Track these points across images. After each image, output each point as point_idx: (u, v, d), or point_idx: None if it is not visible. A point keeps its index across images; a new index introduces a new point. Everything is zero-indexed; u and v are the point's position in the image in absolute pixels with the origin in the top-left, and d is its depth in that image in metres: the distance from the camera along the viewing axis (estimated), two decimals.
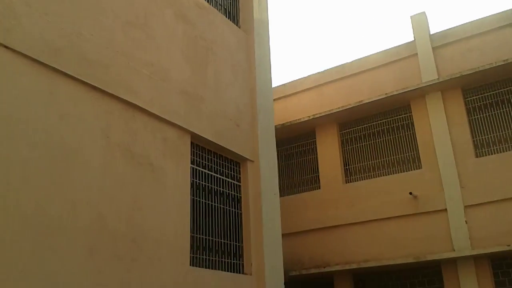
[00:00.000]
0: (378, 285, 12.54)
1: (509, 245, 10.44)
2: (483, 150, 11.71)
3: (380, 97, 12.72)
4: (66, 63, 5.89)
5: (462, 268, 11.11)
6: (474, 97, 12.12)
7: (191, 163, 7.70)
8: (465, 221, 11.24)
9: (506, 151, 11.40)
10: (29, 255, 5.02)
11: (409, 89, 12.48)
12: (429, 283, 11.86)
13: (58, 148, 5.61)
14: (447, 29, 12.88)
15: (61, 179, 5.54)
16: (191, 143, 7.74)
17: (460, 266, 11.15)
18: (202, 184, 7.94)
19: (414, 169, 12.46)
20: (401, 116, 13.06)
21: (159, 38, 7.55)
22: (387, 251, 11.96)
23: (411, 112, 12.82)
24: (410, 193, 11.93)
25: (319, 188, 13.57)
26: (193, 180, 7.69)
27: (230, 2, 9.95)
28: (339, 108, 13.27)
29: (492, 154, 11.56)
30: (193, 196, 7.61)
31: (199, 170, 7.93)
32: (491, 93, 11.95)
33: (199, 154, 8.04)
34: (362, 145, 13.44)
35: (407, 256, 11.60)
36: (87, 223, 5.70)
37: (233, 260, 8.15)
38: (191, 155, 7.70)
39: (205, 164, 8.14)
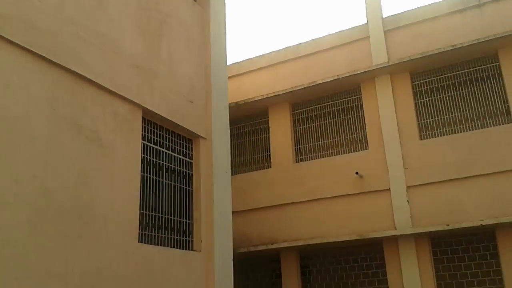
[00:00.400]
0: (322, 262, 12.91)
1: (448, 225, 10.91)
2: (427, 132, 12.13)
3: (332, 79, 12.88)
4: (12, 30, 5.59)
5: (402, 246, 11.55)
6: (422, 81, 12.48)
7: (142, 139, 7.56)
8: (407, 200, 11.67)
9: (449, 134, 11.84)
10: None
11: (359, 72, 12.68)
12: (371, 259, 12.32)
13: (2, 118, 5.36)
14: (399, 13, 13.09)
15: (4, 152, 5.31)
16: (143, 118, 7.59)
17: (401, 244, 11.58)
18: (153, 160, 7.83)
19: (361, 150, 12.78)
20: (351, 98, 13.29)
21: (111, 8, 7.28)
22: (332, 229, 12.27)
23: (361, 94, 13.06)
24: (357, 173, 12.25)
25: (270, 167, 13.70)
26: (143, 156, 7.56)
27: None
28: (292, 88, 13.35)
29: (435, 137, 11.98)
30: (143, 172, 7.50)
31: (150, 146, 7.81)
32: (438, 77, 12.33)
33: (150, 130, 7.89)
34: (313, 126, 13.63)
35: (351, 234, 11.93)
36: (31, 197, 5.51)
37: (183, 237, 8.14)
38: (142, 130, 7.56)
39: (157, 140, 8.02)
